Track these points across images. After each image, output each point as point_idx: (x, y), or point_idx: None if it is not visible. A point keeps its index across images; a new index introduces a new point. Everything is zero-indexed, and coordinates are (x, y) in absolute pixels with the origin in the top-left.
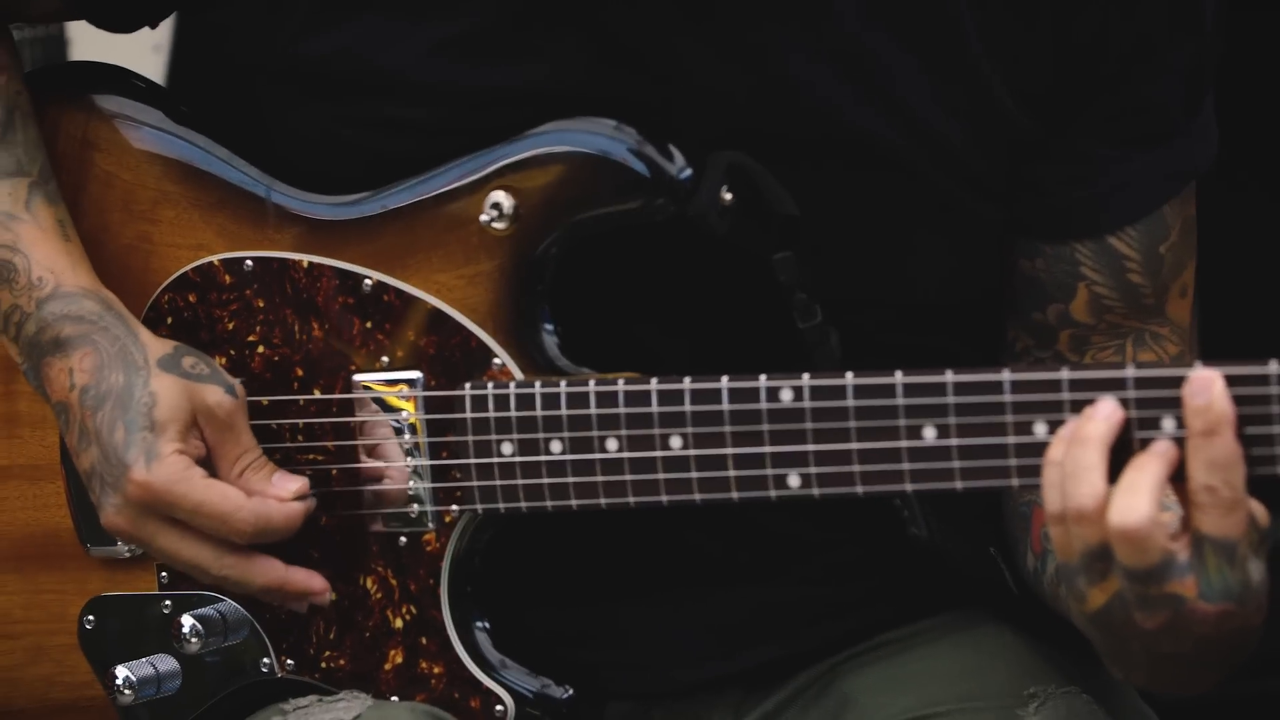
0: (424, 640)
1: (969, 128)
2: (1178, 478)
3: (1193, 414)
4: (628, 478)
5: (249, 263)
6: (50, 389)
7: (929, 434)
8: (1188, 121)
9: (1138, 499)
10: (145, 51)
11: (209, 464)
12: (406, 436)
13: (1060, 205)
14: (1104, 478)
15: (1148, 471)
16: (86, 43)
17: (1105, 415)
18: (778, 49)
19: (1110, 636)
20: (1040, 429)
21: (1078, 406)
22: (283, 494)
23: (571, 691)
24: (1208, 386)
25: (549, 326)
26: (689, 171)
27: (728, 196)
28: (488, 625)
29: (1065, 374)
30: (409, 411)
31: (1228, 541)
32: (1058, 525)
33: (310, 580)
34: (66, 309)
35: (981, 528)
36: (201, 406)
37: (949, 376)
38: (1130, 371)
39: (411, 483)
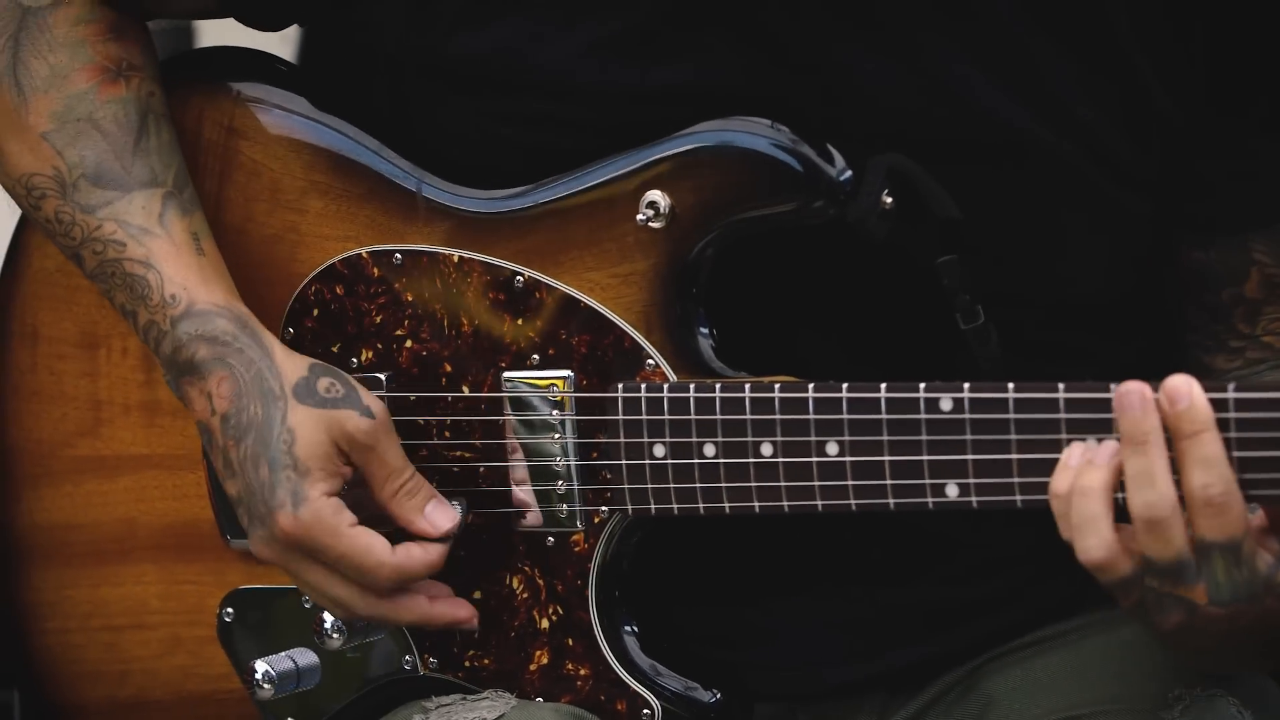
0: (570, 641)
1: (1123, 122)
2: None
3: (1178, 419)
4: (782, 484)
5: (398, 256)
6: (192, 409)
7: None
8: None
9: (1154, 491)
10: (274, 42)
11: (362, 486)
12: (556, 436)
13: (1234, 200)
14: (1110, 527)
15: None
16: (215, 34)
17: (1105, 460)
18: (935, 49)
19: (1146, 626)
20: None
21: (1242, 425)
22: (432, 530)
23: (719, 696)
24: (1188, 391)
25: (704, 329)
26: (849, 174)
27: (888, 200)
28: (636, 629)
29: (1231, 393)
30: (560, 411)
31: (1231, 542)
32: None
33: (456, 611)
34: (200, 329)
35: None
36: (340, 434)
37: (1112, 391)
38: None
39: (560, 483)
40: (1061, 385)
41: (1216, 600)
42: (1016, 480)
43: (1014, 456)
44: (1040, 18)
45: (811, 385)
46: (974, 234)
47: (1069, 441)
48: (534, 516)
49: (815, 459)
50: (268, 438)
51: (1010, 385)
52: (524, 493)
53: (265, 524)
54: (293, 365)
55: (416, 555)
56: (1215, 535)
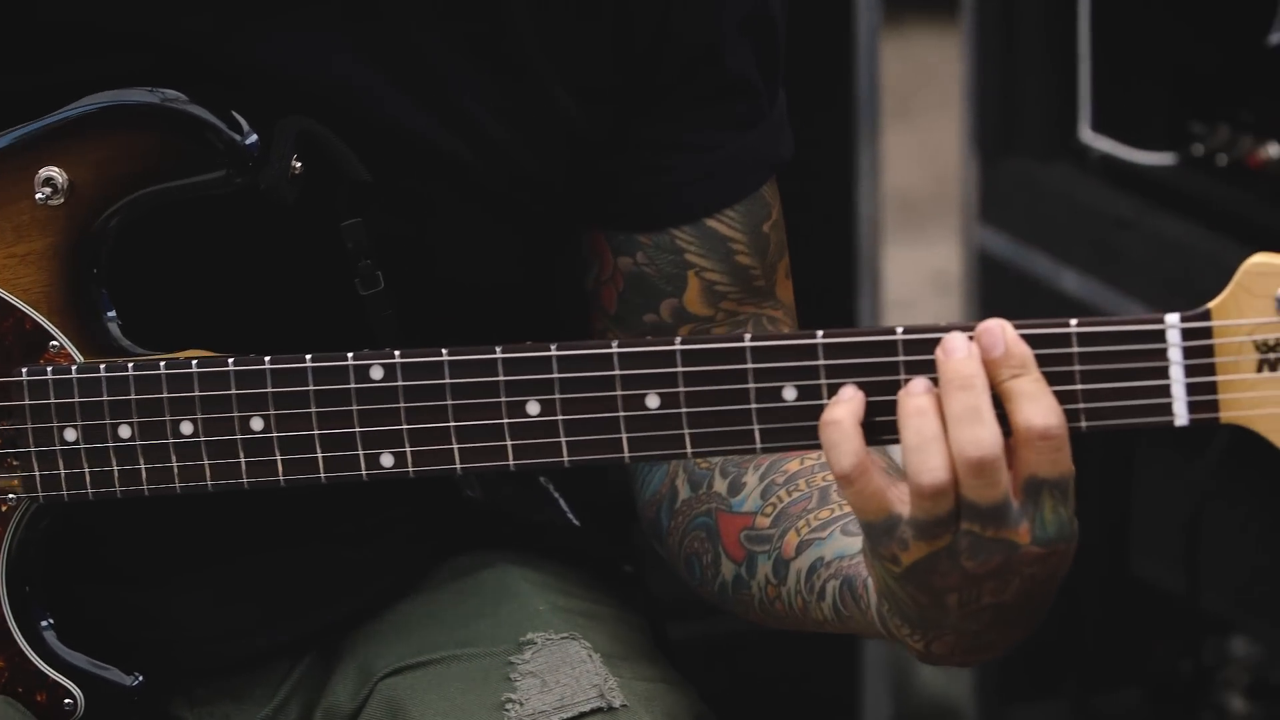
0: None
1: (523, 129)
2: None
3: (996, 366)
4: (206, 462)
5: None
6: None
7: (533, 409)
8: (771, 108)
9: (983, 428)
10: None
11: None
12: None
13: (648, 191)
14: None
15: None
16: None
17: (925, 389)
18: (327, 47)
19: (925, 591)
20: (652, 401)
21: (690, 379)
22: None
23: (142, 679)
24: (1001, 337)
25: (110, 312)
26: (255, 138)
27: (298, 165)
28: (52, 620)
29: (678, 345)
30: None
31: (1063, 478)
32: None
33: None
34: None
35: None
36: None
37: (553, 351)
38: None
39: None
40: (499, 348)
41: (1041, 539)
42: (456, 447)
43: (451, 424)
44: (438, 21)
45: (232, 360)
46: (379, 202)
47: (508, 406)
48: None
49: (240, 436)
50: None
51: (444, 350)
52: None
53: None
54: None
55: None
56: (1048, 472)
